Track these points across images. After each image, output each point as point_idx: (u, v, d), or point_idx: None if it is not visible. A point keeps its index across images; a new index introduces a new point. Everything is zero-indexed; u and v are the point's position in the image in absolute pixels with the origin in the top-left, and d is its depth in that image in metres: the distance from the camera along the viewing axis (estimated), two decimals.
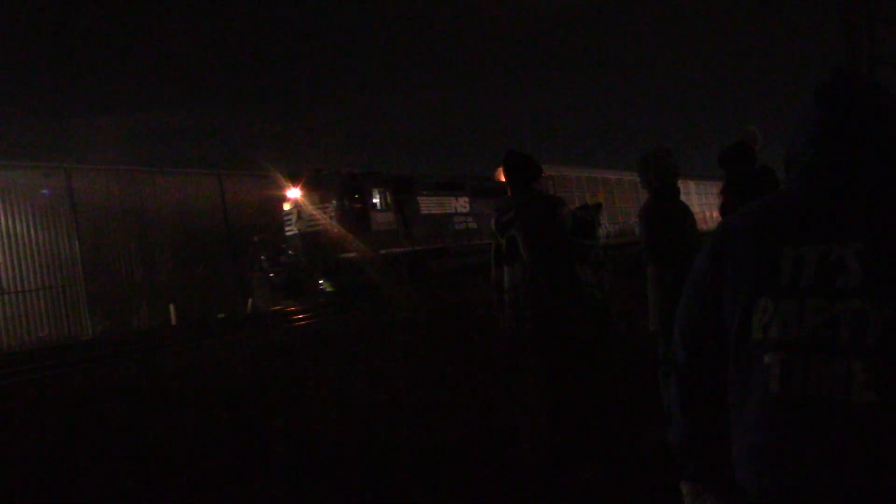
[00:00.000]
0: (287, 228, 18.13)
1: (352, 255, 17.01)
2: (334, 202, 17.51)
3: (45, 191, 17.33)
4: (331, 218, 17.33)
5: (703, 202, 37.13)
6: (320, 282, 17.01)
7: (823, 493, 1.05)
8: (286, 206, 18.27)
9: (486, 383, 5.70)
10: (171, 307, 18.49)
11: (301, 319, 15.81)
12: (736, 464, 1.17)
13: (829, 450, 1.04)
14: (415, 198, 19.87)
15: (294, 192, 17.89)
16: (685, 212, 4.03)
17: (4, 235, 16.42)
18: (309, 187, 17.76)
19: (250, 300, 20.14)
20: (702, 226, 7.81)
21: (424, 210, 20.24)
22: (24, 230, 16.76)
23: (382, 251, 17.60)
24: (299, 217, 17.73)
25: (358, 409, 5.41)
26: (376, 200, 18.45)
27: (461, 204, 21.92)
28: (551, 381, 3.60)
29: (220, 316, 19.01)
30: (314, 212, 17.56)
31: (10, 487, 4.53)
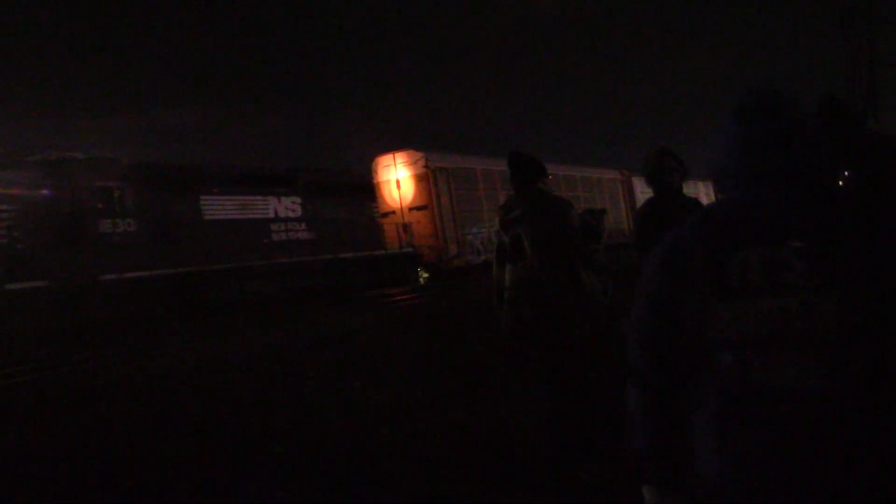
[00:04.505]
0: None
1: (40, 283, 11.40)
2: (19, 200, 11.92)
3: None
4: (8, 226, 11.61)
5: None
6: None
7: (787, 480, 1.10)
8: None
9: (487, 383, 5.70)
10: None
11: None
12: (700, 460, 1.22)
13: (790, 437, 1.10)
14: (197, 196, 14.22)
15: None
16: (685, 208, 4.01)
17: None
18: None
19: None
20: None
21: (211, 214, 14.47)
22: None
23: (108, 276, 12.16)
24: None
25: (358, 409, 5.41)
26: (105, 199, 12.90)
27: (287, 206, 15.96)
28: (551, 380, 3.61)
29: None
30: None
31: (11, 487, 4.54)
